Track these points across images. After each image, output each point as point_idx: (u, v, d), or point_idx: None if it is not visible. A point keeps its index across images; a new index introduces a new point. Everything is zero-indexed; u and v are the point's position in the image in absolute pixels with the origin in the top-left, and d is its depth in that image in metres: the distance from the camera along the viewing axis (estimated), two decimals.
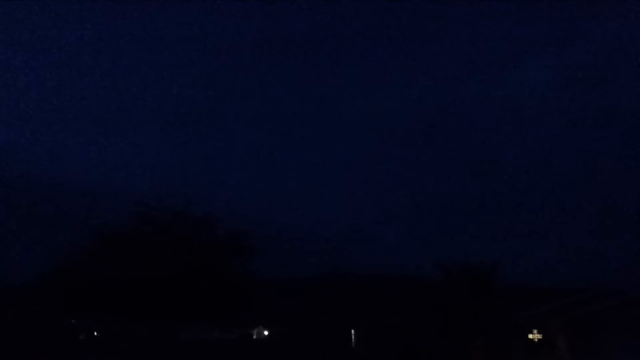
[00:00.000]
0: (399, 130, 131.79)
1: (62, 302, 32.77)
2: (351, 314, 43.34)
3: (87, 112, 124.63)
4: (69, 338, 34.91)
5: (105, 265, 31.90)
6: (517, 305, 36.40)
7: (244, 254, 33.89)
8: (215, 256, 33.67)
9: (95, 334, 36.74)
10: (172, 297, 31.51)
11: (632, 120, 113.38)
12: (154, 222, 33.22)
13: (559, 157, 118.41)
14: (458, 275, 37.31)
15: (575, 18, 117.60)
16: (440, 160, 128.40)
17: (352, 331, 40.13)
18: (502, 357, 35.30)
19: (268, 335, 43.40)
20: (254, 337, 42.82)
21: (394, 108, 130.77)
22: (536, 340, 35.17)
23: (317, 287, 51.55)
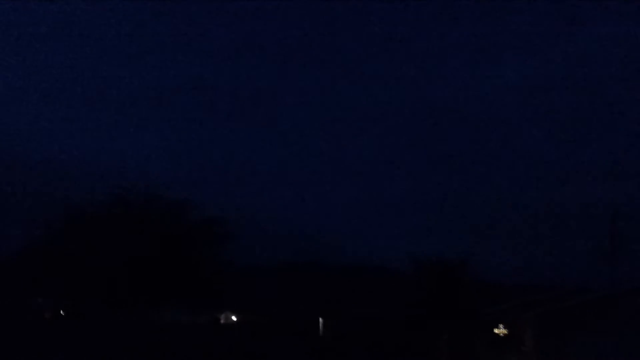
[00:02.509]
0: (381, 123, 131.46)
1: (31, 280, 32.66)
2: (322, 303, 43.61)
3: (64, 91, 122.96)
4: (33, 316, 34.78)
5: (76, 245, 31.85)
6: (485, 301, 36.82)
7: (217, 240, 34.02)
8: (188, 241, 33.74)
9: (62, 313, 36.63)
10: (142, 280, 31.54)
11: (608, 121, 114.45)
12: (128, 205, 33.19)
13: (536, 156, 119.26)
14: (428, 269, 37.65)
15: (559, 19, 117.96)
16: (419, 155, 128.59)
17: (320, 320, 40.43)
18: (466, 350, 35.76)
19: (236, 321, 43.53)
20: (222, 322, 42.94)
21: (379, 101, 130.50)
22: (501, 335, 35.59)
23: (290, 275, 51.69)
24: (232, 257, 34.96)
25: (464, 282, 37.05)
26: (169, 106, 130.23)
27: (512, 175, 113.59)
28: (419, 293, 37.01)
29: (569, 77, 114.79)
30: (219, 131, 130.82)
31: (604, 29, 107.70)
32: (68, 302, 35.61)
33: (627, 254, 37.50)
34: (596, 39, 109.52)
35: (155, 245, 31.77)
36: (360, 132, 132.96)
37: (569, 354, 32.82)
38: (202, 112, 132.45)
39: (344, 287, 46.54)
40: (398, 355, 34.97)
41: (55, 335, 30.50)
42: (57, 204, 34.16)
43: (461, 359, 35.78)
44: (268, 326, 39.47)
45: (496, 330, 35.59)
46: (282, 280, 49.90)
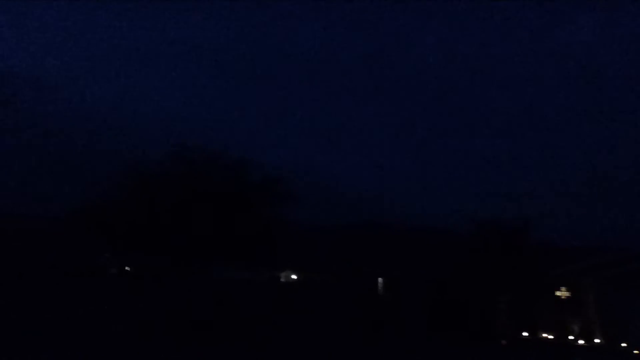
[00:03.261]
0: (433, 86, 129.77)
1: (96, 237, 33.50)
2: (381, 264, 43.58)
3: (127, 49, 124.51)
4: (100, 271, 35.79)
5: (140, 203, 32.47)
6: (548, 263, 36.29)
7: (278, 199, 34.21)
8: (250, 199, 34.03)
9: (127, 269, 37.56)
10: (204, 238, 32.02)
11: None
12: (190, 163, 33.60)
13: (602, 118, 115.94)
14: (489, 231, 37.25)
15: None
16: (474, 116, 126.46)
17: (380, 280, 40.41)
18: (527, 312, 35.41)
19: (296, 279, 43.94)
20: (282, 280, 43.39)
21: (428, 64, 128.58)
22: (564, 297, 35.14)
23: (349, 235, 51.74)
24: (293, 217, 35.12)
25: (526, 244, 36.56)
26: (230, 65, 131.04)
27: (577, 137, 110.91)
28: (481, 254, 36.68)
29: None
30: (283, 93, 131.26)
31: None
32: (133, 259, 36.49)
33: None
34: None
35: (217, 203, 32.16)
36: (418, 99, 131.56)
37: (631, 318, 32.29)
38: (264, 75, 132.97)
39: (404, 248, 46.35)
40: (460, 317, 34.86)
41: (120, 291, 31.37)
42: (122, 162, 34.79)
43: (522, 320, 35.48)
44: (327, 285, 39.75)
45: (558, 293, 35.15)
46: (342, 240, 49.98)
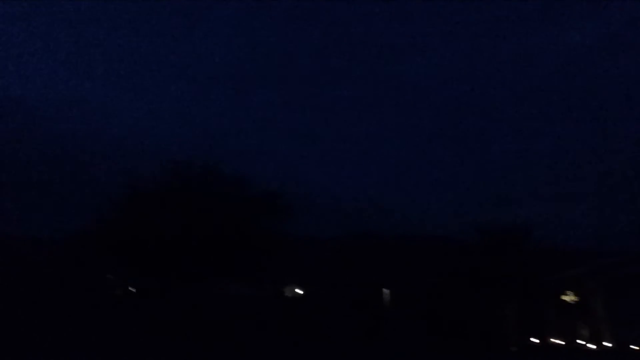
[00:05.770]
0: (432, 95, 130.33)
1: (98, 257, 33.11)
2: (382, 274, 43.29)
3: (121, 67, 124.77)
4: (105, 292, 35.34)
5: (139, 222, 32.11)
6: (553, 267, 36.05)
7: (276, 213, 33.94)
8: (248, 214, 33.75)
9: (130, 289, 37.13)
10: (204, 254, 31.70)
11: None
12: (187, 179, 33.29)
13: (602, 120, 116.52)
14: (491, 237, 37.04)
15: None
16: (475, 122, 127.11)
17: (384, 290, 40.11)
18: (534, 317, 35.15)
19: (301, 293, 43.59)
20: (286, 295, 43.01)
21: (426, 74, 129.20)
22: (570, 302, 34.92)
23: (349, 246, 51.50)
24: (294, 230, 34.86)
25: (528, 248, 36.36)
26: (226, 83, 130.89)
27: (577, 140, 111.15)
28: (484, 261, 36.45)
29: None
30: (278, 108, 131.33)
31: None
32: (135, 279, 36.08)
33: None
34: None
35: (218, 219, 31.85)
36: (415, 108, 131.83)
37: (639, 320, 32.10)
38: (257, 90, 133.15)
39: (406, 257, 46.13)
40: (465, 324, 34.55)
41: (126, 312, 30.99)
42: (120, 179, 34.47)
43: (530, 326, 35.23)
44: (332, 298, 39.40)
45: (564, 297, 34.94)
46: (340, 251, 49.73)
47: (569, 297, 35.22)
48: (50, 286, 32.26)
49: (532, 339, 34.68)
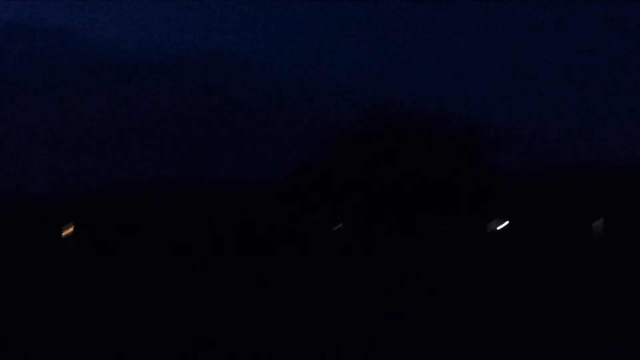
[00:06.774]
0: None
1: (306, 198, 34.69)
2: (594, 206, 41.38)
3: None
4: (312, 232, 36.96)
5: (344, 162, 33.20)
6: None
7: (481, 147, 33.54)
8: (452, 151, 33.71)
9: (336, 228, 38.46)
10: (408, 192, 32.14)
11: None
12: (387, 119, 33.77)
13: None
14: None
15: None
16: None
17: (596, 223, 38.40)
18: None
19: (505, 227, 42.77)
20: (497, 228, 42.34)
21: None
22: None
23: (555, 179, 49.44)
24: (495, 164, 34.31)
25: None
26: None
27: None
28: None
29: None
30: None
31: None
32: (340, 217, 37.31)
33: None
34: None
35: (420, 157, 32.24)
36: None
37: None
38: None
39: (616, 189, 43.51)
40: None
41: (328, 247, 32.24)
42: (323, 123, 35.72)
43: None
44: (539, 231, 38.33)
45: None
46: (548, 184, 47.89)
47: None
48: (259, 227, 34.46)
49: None
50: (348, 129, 34.47)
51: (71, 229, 36.74)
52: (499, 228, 42.29)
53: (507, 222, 42.15)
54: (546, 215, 40.69)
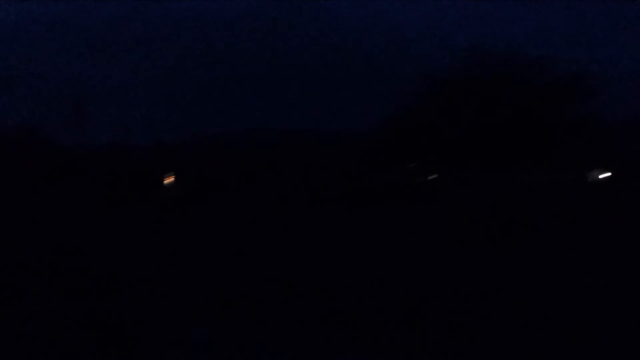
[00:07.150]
0: None
1: (400, 147, 34.61)
2: None
3: None
4: (408, 180, 36.91)
5: (438, 110, 32.94)
6: None
7: (582, 94, 32.69)
8: (550, 98, 32.96)
9: (431, 178, 38.28)
10: (504, 141, 31.70)
11: None
12: (486, 66, 33.18)
13: None
14: None
15: None
16: None
17: None
18: None
19: (604, 178, 41.40)
20: (598, 178, 41.07)
21: None
22: None
23: None
24: (597, 112, 33.29)
25: None
26: None
27: None
28: None
29: None
30: None
31: None
32: (435, 167, 37.10)
33: None
34: None
35: (517, 105, 31.70)
36: None
37: None
38: None
39: None
40: None
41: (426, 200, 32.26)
42: (418, 69, 35.41)
43: None
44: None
45: None
46: None
47: None
48: (355, 178, 34.63)
49: None
50: (443, 75, 34.02)
51: (172, 178, 37.85)
52: (601, 177, 41.01)
53: (609, 173, 40.78)
54: None
